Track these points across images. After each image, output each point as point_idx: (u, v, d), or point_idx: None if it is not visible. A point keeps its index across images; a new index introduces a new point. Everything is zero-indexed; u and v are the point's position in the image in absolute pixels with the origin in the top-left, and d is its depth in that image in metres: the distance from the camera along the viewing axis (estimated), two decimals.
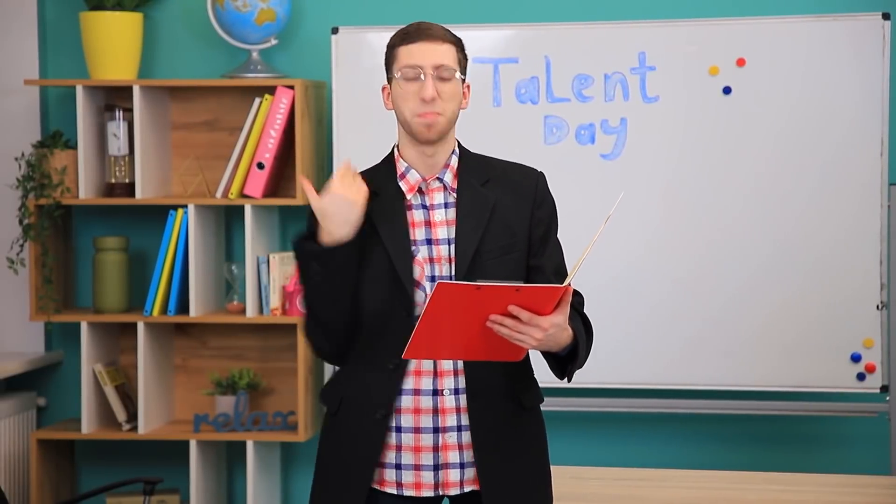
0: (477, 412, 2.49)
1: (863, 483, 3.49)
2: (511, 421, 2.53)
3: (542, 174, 2.62)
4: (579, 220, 3.88)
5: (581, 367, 2.50)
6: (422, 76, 2.47)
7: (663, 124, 3.97)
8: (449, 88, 2.49)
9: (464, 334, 2.37)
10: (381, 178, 2.54)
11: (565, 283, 2.32)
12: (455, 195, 2.53)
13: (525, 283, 2.50)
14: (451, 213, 2.52)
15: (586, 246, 2.37)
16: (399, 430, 2.51)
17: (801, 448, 4.17)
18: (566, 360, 2.48)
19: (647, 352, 3.98)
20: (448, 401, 2.50)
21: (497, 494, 2.50)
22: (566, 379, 2.51)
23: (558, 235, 2.63)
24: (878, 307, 3.90)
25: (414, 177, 2.53)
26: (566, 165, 3.98)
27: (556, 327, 2.35)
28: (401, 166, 2.54)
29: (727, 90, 3.94)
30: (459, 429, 2.50)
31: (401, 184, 2.53)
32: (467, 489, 2.53)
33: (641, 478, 3.56)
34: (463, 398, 2.50)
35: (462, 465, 2.52)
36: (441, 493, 2.53)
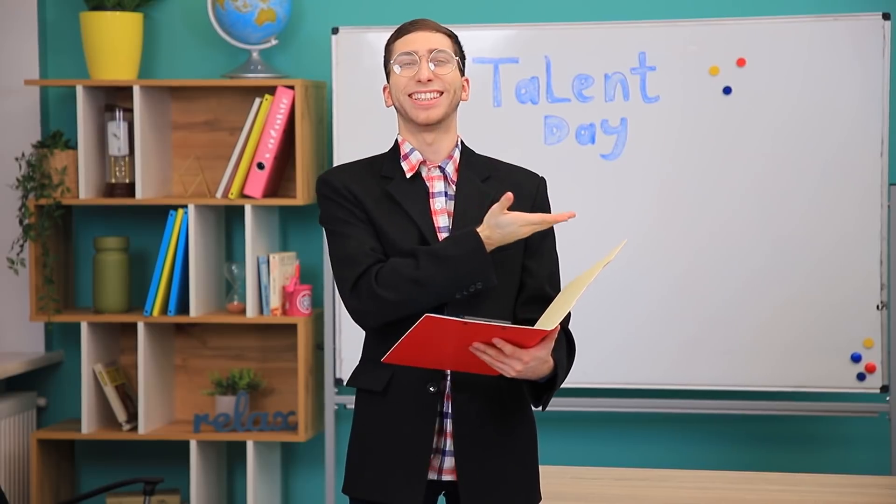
0: (460, 403, 2.52)
1: (863, 483, 3.50)
2: (496, 416, 2.55)
3: (543, 180, 2.67)
4: (579, 220, 3.89)
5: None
6: (417, 60, 2.54)
7: (663, 124, 3.98)
8: (446, 72, 2.55)
9: (445, 352, 2.42)
10: (389, 164, 2.59)
11: (554, 326, 2.36)
12: (455, 187, 2.57)
13: (519, 285, 2.56)
14: (451, 204, 2.56)
15: (581, 282, 2.41)
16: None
17: (802, 448, 4.18)
18: (543, 388, 2.51)
19: (646, 352, 3.98)
20: (447, 386, 2.54)
21: (474, 488, 2.52)
22: (541, 407, 2.54)
23: (557, 242, 2.64)
24: (878, 307, 3.90)
25: (416, 157, 2.57)
26: (566, 166, 3.99)
27: (537, 360, 2.40)
28: (404, 148, 2.59)
29: (727, 90, 3.94)
30: (447, 415, 2.55)
31: (403, 164, 2.57)
32: (446, 478, 2.56)
33: (641, 478, 3.57)
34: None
35: (444, 453, 2.55)
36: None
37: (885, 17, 3.87)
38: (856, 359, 3.92)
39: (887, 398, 3.93)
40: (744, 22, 3.96)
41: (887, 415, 3.94)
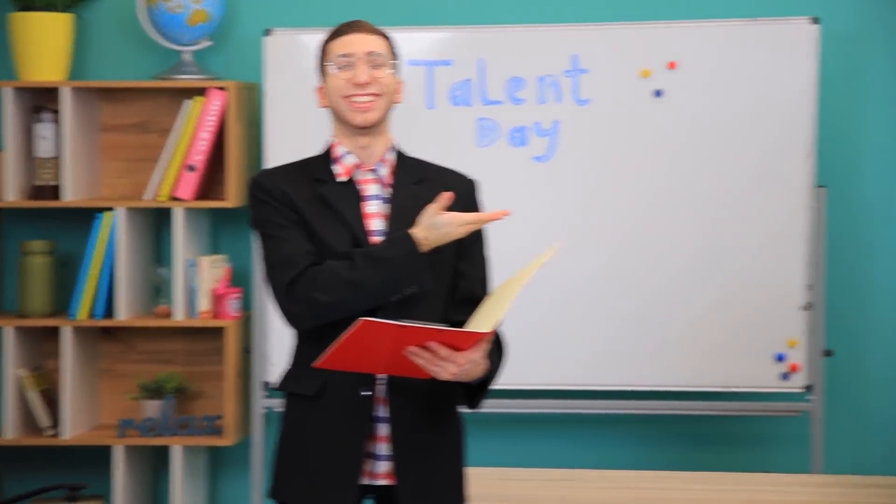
0: (397, 407, 2.61)
1: (784, 482, 3.64)
2: (430, 419, 2.64)
3: (475, 183, 2.77)
4: (511, 222, 4.00)
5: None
6: (354, 63, 2.62)
7: (596, 127, 4.12)
8: (382, 75, 2.63)
9: (380, 357, 2.49)
10: (322, 166, 2.68)
11: (490, 329, 2.43)
12: (390, 191, 2.66)
13: (451, 287, 2.65)
14: (386, 208, 2.65)
15: (513, 285, 2.50)
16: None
17: (727, 447, 4.34)
18: (476, 389, 2.61)
19: (573, 353, 4.12)
20: (379, 390, 2.62)
21: (412, 491, 2.61)
22: (473, 407, 2.65)
23: (489, 245, 2.73)
24: (802, 308, 4.08)
25: (350, 160, 2.65)
26: (499, 168, 4.10)
27: (472, 363, 2.49)
28: (337, 151, 2.67)
29: (659, 93, 4.09)
30: (383, 420, 2.62)
31: (334, 168, 2.65)
32: (378, 482, 2.64)
33: (568, 478, 3.66)
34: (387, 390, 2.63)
35: (377, 457, 2.63)
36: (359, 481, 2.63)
37: (814, 21, 4.04)
38: (780, 359, 4.09)
39: (810, 398, 4.11)
40: (675, 25, 4.11)
41: (810, 414, 4.11)
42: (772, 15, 4.14)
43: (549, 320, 4.12)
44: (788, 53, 4.05)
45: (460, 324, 2.56)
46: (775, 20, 4.08)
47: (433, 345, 2.44)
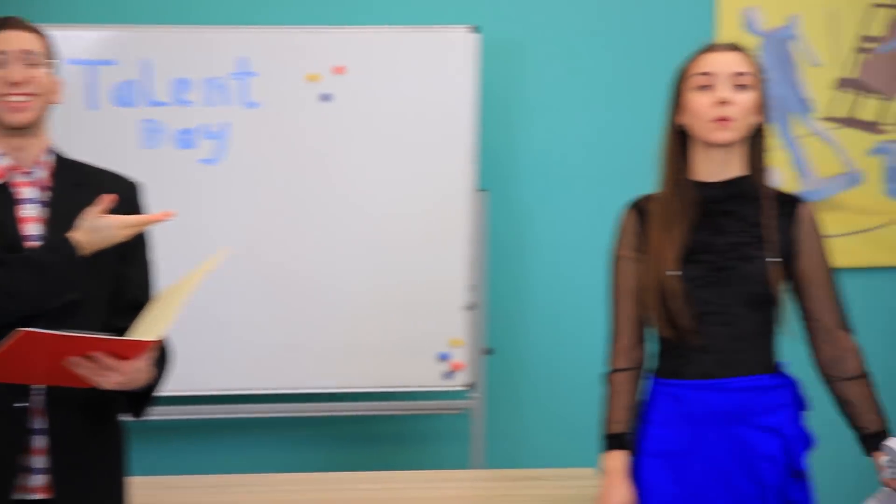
0: (57, 418, 2.57)
1: (446, 477, 3.82)
2: (93, 429, 2.63)
3: (139, 185, 2.78)
4: (178, 227, 3.94)
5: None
6: (8, 61, 2.57)
7: (265, 130, 4.17)
8: (38, 74, 2.59)
9: (40, 367, 2.45)
10: None
11: (155, 338, 2.44)
12: (50, 194, 2.62)
13: (114, 293, 2.64)
14: (44, 212, 2.61)
15: (178, 291, 2.53)
16: None
17: (393, 447, 4.49)
18: (141, 397, 2.62)
19: (239, 357, 4.15)
20: (36, 401, 2.57)
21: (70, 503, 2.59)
22: (137, 416, 2.66)
23: (155, 250, 2.75)
24: (465, 308, 4.26)
25: (4, 163, 2.60)
26: (164, 171, 4.10)
27: (137, 372, 2.49)
28: None
29: (327, 97, 4.18)
30: (40, 432, 2.57)
31: None
32: (36, 496, 2.58)
33: (238, 483, 3.68)
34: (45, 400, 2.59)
35: (33, 471, 2.58)
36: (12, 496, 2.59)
37: (474, 29, 4.22)
38: (444, 358, 4.26)
39: (471, 395, 4.30)
40: (343, 31, 4.21)
41: (471, 411, 4.31)
42: (434, 23, 4.30)
43: (216, 324, 4.14)
44: (450, 61, 4.22)
45: (124, 330, 2.55)
46: (437, 28, 4.24)
47: (97, 354, 2.42)
